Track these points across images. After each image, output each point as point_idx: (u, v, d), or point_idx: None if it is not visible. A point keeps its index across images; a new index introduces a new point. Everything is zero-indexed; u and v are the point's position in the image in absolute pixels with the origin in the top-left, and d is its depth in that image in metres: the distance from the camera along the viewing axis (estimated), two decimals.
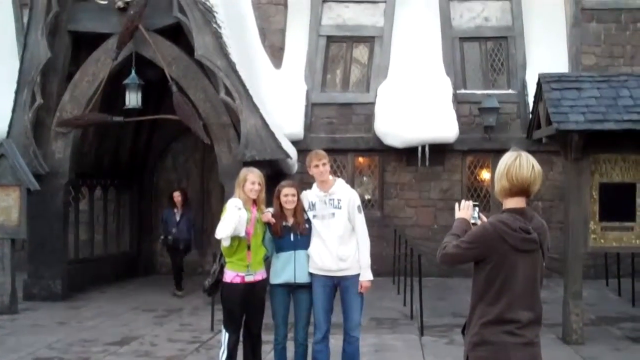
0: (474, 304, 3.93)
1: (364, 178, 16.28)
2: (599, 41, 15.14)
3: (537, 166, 3.86)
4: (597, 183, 9.16)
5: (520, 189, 3.85)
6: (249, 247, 6.51)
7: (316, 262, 6.68)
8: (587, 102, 9.03)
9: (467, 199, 4.57)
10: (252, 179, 6.59)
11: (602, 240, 9.25)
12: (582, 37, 15.10)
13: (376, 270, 14.98)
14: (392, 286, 13.70)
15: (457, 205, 4.31)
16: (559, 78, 9.54)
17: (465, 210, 4.20)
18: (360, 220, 6.75)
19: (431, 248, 14.79)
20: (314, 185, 6.90)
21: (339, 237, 6.64)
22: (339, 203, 6.69)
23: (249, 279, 6.55)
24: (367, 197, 15.97)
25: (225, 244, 6.42)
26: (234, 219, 6.31)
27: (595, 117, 8.85)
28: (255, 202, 6.61)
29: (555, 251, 11.52)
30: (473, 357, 3.88)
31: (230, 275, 6.55)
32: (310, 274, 6.72)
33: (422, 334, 9.67)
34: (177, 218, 13.26)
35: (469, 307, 3.98)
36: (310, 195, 6.85)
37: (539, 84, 9.65)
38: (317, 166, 6.74)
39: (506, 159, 3.86)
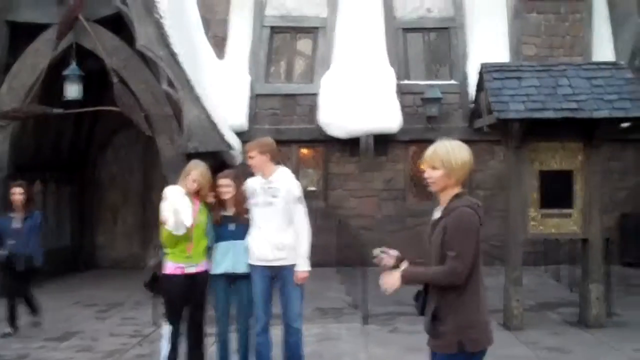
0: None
1: (308, 169, 16.26)
2: (539, 32, 15.35)
3: None
4: (536, 171, 9.30)
5: (466, 178, 4.08)
6: (190, 239, 6.44)
7: (254, 252, 6.64)
8: (527, 91, 9.15)
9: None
10: (193, 177, 6.56)
11: (541, 227, 9.40)
12: (522, 28, 15.30)
13: (320, 261, 15.11)
14: (336, 276, 13.73)
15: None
16: (499, 68, 9.66)
17: (391, 276, 4.10)
18: (300, 211, 6.67)
19: (375, 238, 14.91)
20: (257, 174, 6.85)
21: (276, 226, 6.59)
22: (277, 192, 6.63)
23: (190, 270, 6.48)
24: (311, 188, 15.96)
25: (181, 232, 6.32)
26: (185, 206, 6.28)
27: (535, 105, 8.98)
28: (198, 193, 6.55)
29: (496, 239, 11.78)
30: (467, 340, 3.91)
31: (171, 266, 6.47)
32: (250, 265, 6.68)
33: (366, 322, 9.71)
34: (17, 225, 9.37)
35: (435, 293, 4.01)
36: (253, 183, 6.80)
37: (480, 74, 9.75)
38: (250, 157, 6.78)
39: (466, 151, 4.00)
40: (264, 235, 6.61)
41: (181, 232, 6.30)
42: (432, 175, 4.01)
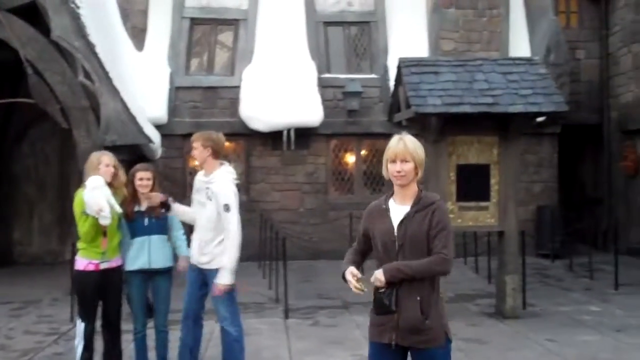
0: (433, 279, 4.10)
1: (231, 162, 16.10)
2: (458, 27, 15.57)
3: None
4: (454, 164, 9.44)
5: None
6: (104, 234, 6.30)
7: (190, 249, 6.56)
8: (444, 85, 9.28)
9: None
10: (106, 161, 6.37)
11: (459, 220, 9.54)
12: (441, 23, 15.49)
13: (242, 255, 15.06)
14: (258, 270, 13.69)
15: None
16: (417, 62, 9.76)
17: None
18: (228, 219, 6.23)
19: (297, 231, 14.97)
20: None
21: (204, 229, 6.36)
22: (211, 195, 6.32)
23: (103, 266, 6.32)
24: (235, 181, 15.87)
25: (107, 222, 6.15)
26: (105, 196, 6.12)
27: (452, 100, 9.11)
28: (111, 185, 6.39)
29: None
30: (448, 329, 4.10)
31: (83, 262, 6.30)
32: None
33: (287, 316, 9.71)
34: None
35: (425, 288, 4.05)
36: (198, 178, 6.55)
37: (398, 69, 9.83)
38: (193, 148, 6.47)
39: (421, 146, 4.09)
40: (196, 236, 6.44)
41: (108, 222, 6.14)
42: (404, 168, 4.03)
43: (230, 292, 6.33)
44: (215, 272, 6.28)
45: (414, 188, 4.10)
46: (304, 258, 14.85)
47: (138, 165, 6.73)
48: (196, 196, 6.52)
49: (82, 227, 6.21)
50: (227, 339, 6.46)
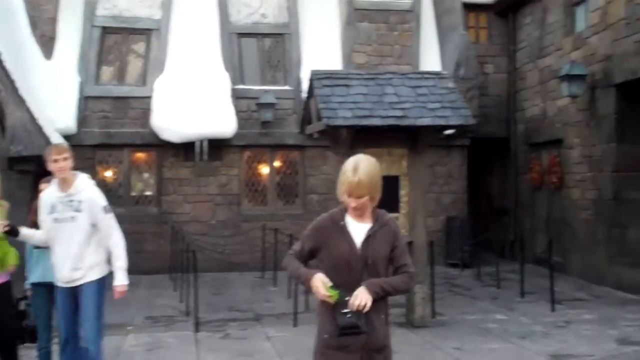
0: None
1: (142, 174, 15.92)
2: (370, 41, 15.77)
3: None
4: None
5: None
6: None
7: (55, 272, 6.11)
8: (355, 98, 9.38)
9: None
10: None
11: None
12: (354, 36, 15.67)
13: (154, 268, 14.90)
14: (169, 283, 13.54)
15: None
16: (329, 75, 9.85)
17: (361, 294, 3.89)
18: (108, 221, 6.08)
19: (209, 243, 14.86)
20: (53, 184, 6.13)
21: (78, 244, 6.00)
22: (79, 205, 5.99)
23: None
24: (145, 193, 15.68)
25: None
26: None
27: (362, 113, 9.22)
28: None
29: None
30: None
31: None
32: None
33: (197, 329, 9.61)
34: None
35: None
36: (50, 196, 6.08)
37: (310, 81, 9.90)
38: (56, 161, 5.94)
39: (377, 165, 4.04)
40: (64, 255, 6.02)
41: None
42: (360, 202, 3.93)
43: (100, 308, 6.11)
44: (87, 285, 6.03)
45: (371, 207, 4.04)
46: (216, 270, 14.75)
47: (45, 178, 6.47)
48: (53, 215, 6.02)
49: None
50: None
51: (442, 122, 9.43)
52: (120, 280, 6.14)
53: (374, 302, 3.82)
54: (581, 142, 13.80)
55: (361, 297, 3.79)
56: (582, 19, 14.23)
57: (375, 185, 3.95)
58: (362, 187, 3.88)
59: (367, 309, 3.79)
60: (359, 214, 3.99)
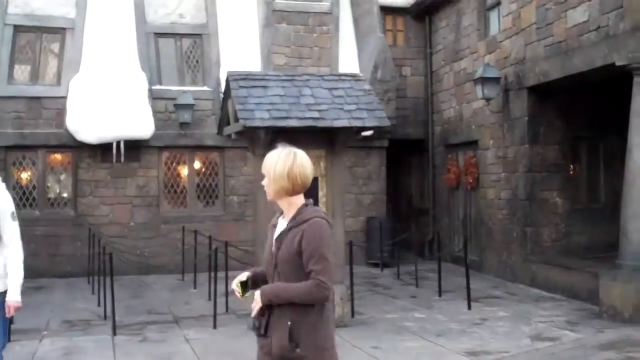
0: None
1: (57, 175, 15.57)
2: (289, 42, 15.82)
3: (310, 161, 3.84)
4: None
5: (303, 187, 3.78)
6: None
7: None
8: (272, 100, 9.40)
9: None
10: None
11: None
12: (273, 38, 15.69)
13: (71, 271, 14.61)
14: (87, 286, 13.30)
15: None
16: (246, 76, 9.83)
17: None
18: (13, 229, 5.56)
19: (128, 246, 14.67)
20: None
21: None
22: None
23: None
24: (61, 195, 15.36)
25: None
26: None
27: (279, 114, 9.24)
28: None
29: (249, 244, 11.99)
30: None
31: None
32: None
33: (114, 333, 9.46)
34: None
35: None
36: None
37: (227, 82, 9.87)
38: None
39: (283, 160, 3.73)
40: None
41: None
42: (263, 183, 3.81)
43: (4, 320, 5.66)
44: None
45: (296, 203, 3.78)
46: (135, 273, 14.58)
47: None
48: None
49: None
50: None
51: (358, 123, 9.53)
52: (15, 295, 5.53)
53: (278, 307, 3.65)
54: (495, 144, 14.14)
55: (254, 301, 3.71)
56: (496, 23, 14.58)
57: (273, 172, 3.75)
58: (264, 166, 3.82)
59: (253, 313, 3.70)
60: (270, 199, 3.86)
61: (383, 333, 9.39)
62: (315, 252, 3.60)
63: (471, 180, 15.09)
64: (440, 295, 12.00)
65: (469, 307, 10.85)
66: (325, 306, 3.69)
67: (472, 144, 15.21)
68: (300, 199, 3.79)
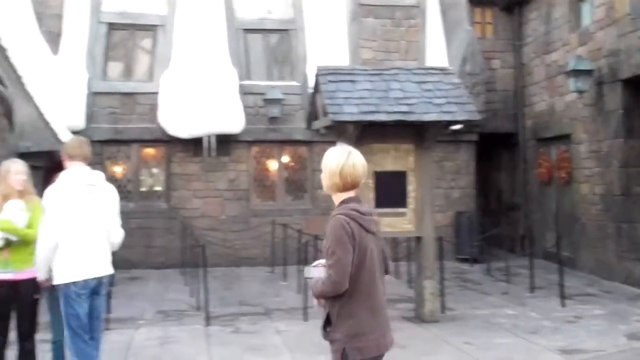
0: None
1: (151, 169, 15.97)
2: (376, 36, 15.78)
3: (365, 162, 4.07)
4: (372, 171, 9.52)
5: (353, 185, 4.03)
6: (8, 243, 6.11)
7: None
8: (360, 94, 9.38)
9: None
10: (15, 169, 6.23)
11: None
12: (360, 32, 15.68)
13: (164, 263, 14.97)
14: (180, 277, 13.61)
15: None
16: (334, 71, 9.84)
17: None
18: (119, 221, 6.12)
19: (219, 238, 14.93)
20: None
21: None
22: None
23: (6, 276, 6.11)
24: (154, 188, 15.74)
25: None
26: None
27: (368, 108, 9.22)
28: (21, 194, 6.23)
29: None
30: (351, 349, 3.94)
31: None
32: None
33: (208, 324, 9.65)
34: None
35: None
36: None
37: (316, 77, 9.91)
38: None
39: (338, 158, 4.00)
40: None
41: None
42: (322, 177, 4.11)
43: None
44: None
45: (341, 198, 4.05)
46: (226, 265, 14.83)
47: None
48: None
49: None
50: None
51: (448, 117, 9.43)
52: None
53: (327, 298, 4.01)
54: (589, 137, 13.78)
55: None
56: (588, 14, 14.19)
57: (325, 168, 4.06)
58: (322, 161, 4.13)
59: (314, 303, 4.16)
60: (327, 192, 4.17)
61: (474, 329, 9.29)
62: (328, 247, 3.89)
63: (564, 175, 14.75)
64: (532, 292, 11.78)
65: (563, 305, 10.62)
66: (353, 297, 3.92)
67: (565, 137, 14.85)
68: (346, 195, 4.04)
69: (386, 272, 4.19)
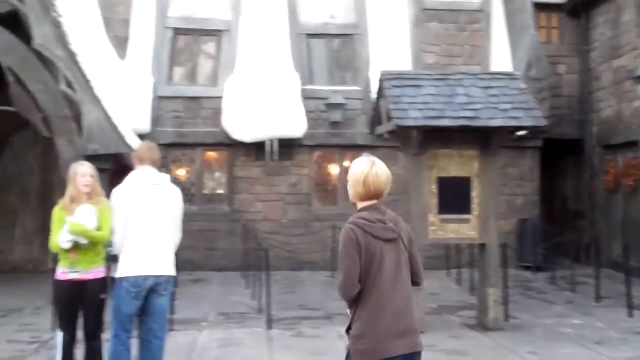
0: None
1: (214, 173, 16.15)
2: (440, 41, 15.71)
3: (389, 172, 4.16)
4: (435, 177, 9.47)
5: (376, 194, 4.11)
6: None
7: None
8: (425, 99, 9.34)
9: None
10: (83, 171, 6.35)
11: (441, 232, 9.58)
12: (423, 37, 15.62)
13: (226, 265, 15.13)
14: (242, 281, 13.70)
15: None
16: (399, 76, 9.82)
17: None
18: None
19: (280, 242, 15.01)
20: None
21: None
22: None
23: (74, 276, 6.21)
24: (217, 191, 15.91)
25: (67, 246, 6.17)
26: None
27: (432, 114, 9.17)
28: (89, 196, 6.36)
29: None
30: (354, 351, 3.98)
31: (59, 271, 6.27)
32: None
33: (270, 327, 9.70)
34: None
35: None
36: None
37: (380, 82, 9.90)
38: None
39: (362, 167, 4.10)
40: None
41: (67, 246, 6.16)
42: (348, 186, 4.21)
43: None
44: None
45: (362, 206, 4.16)
46: (287, 269, 14.88)
47: None
48: None
49: (51, 237, 6.26)
50: None
51: (514, 123, 9.32)
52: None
53: None
54: None
55: None
56: None
57: (349, 177, 4.20)
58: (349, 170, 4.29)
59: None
60: (352, 201, 4.29)
61: (539, 339, 9.14)
62: (339, 256, 4.04)
63: (631, 183, 14.44)
64: (598, 302, 11.56)
65: (631, 315, 10.39)
66: (361, 301, 3.98)
67: (632, 144, 14.51)
68: (365, 204, 4.12)
69: (415, 282, 4.19)
